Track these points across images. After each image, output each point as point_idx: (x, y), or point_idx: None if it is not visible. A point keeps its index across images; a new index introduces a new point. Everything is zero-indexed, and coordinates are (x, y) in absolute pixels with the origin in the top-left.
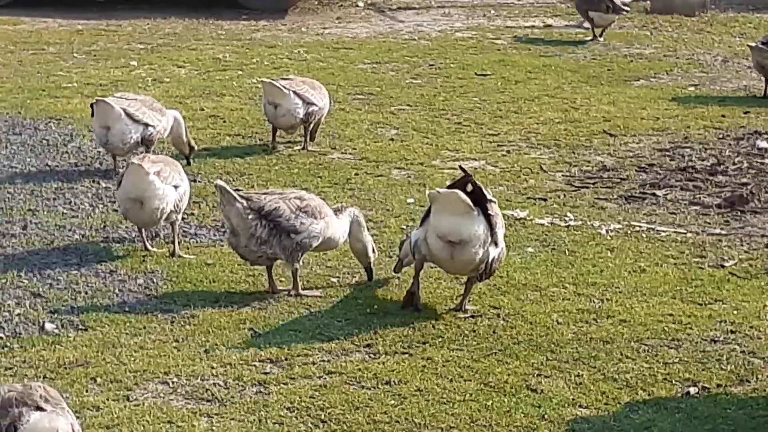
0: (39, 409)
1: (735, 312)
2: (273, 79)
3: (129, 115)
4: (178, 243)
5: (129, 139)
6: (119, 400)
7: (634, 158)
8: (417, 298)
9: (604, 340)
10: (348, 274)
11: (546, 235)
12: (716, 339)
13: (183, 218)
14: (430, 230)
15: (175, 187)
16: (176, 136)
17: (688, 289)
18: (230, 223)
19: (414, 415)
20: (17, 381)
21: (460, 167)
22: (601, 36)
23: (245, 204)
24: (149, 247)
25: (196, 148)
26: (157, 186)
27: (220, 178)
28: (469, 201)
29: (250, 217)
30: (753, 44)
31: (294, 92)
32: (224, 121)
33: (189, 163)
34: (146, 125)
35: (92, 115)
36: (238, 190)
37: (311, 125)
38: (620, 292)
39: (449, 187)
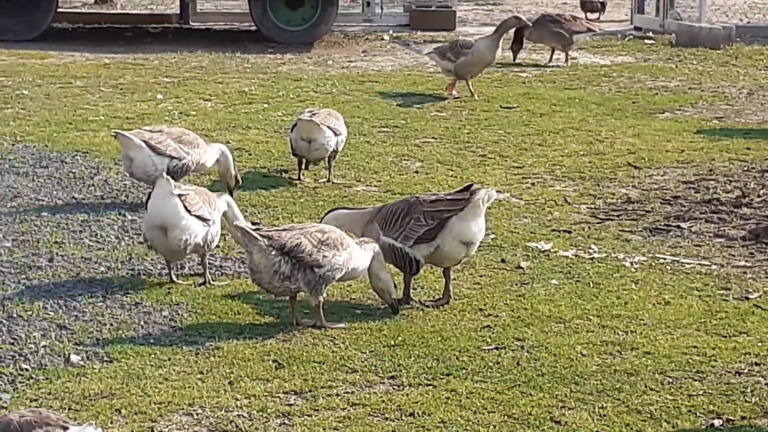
0: (64, 429)
1: (759, 344)
2: (309, 117)
3: (152, 148)
4: (208, 271)
5: (152, 171)
6: None
7: (659, 190)
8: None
9: (629, 372)
10: (372, 306)
11: (570, 267)
12: (740, 371)
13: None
14: (449, 239)
15: (206, 220)
16: (223, 170)
17: (713, 321)
18: (252, 262)
19: None
20: None
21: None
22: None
23: (266, 243)
24: (175, 279)
25: (240, 182)
26: (181, 211)
27: (245, 211)
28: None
29: (272, 254)
30: None
31: (327, 126)
32: (250, 154)
33: (231, 195)
34: (171, 157)
35: None
36: (257, 228)
37: (337, 155)
38: (644, 325)
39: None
